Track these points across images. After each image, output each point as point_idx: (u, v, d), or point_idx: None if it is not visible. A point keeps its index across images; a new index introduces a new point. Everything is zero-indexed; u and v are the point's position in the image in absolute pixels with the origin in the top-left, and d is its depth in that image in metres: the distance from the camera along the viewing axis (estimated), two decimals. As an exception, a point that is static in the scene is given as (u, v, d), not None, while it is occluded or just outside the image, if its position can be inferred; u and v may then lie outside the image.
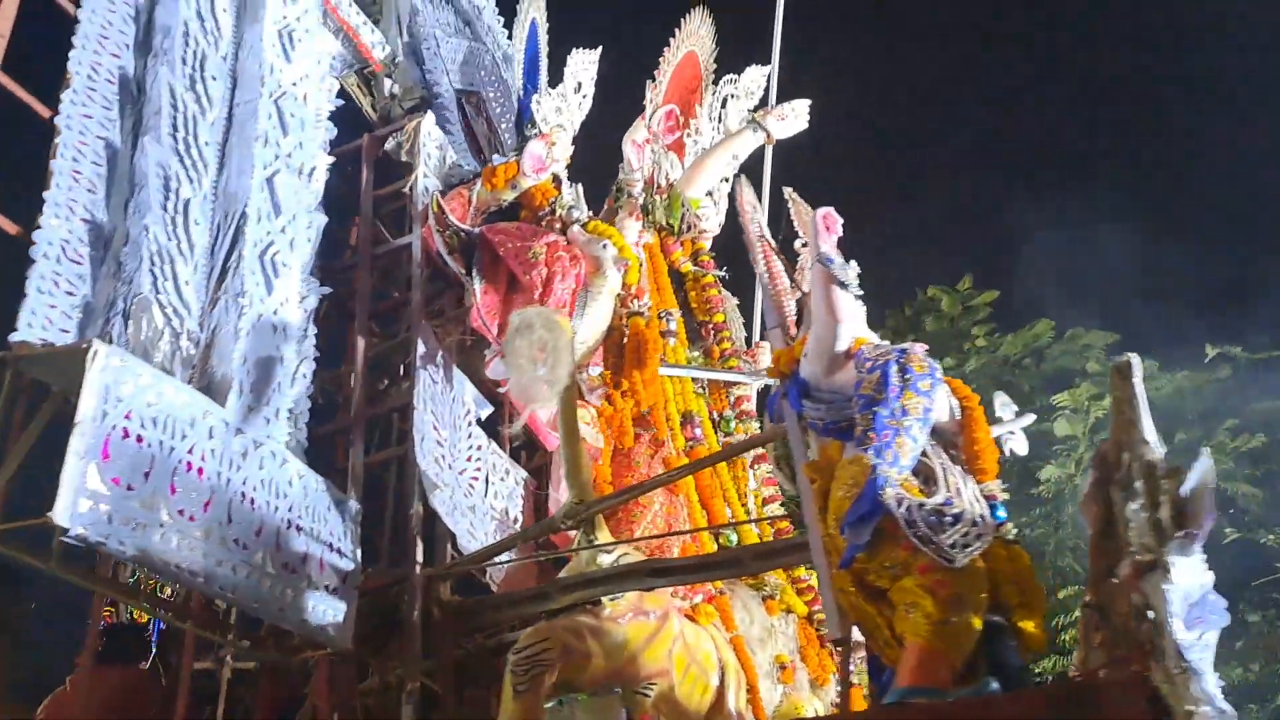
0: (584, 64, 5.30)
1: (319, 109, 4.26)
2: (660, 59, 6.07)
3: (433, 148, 4.70)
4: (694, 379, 5.12)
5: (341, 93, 4.93)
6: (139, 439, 2.99)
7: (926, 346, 3.44)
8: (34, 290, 3.11)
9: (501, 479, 4.72)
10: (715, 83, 6.22)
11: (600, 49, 5.58)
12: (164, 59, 3.65)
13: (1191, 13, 13.63)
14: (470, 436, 4.51)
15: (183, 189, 3.49)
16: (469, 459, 4.45)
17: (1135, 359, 2.63)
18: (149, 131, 3.51)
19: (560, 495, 4.44)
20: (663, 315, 5.09)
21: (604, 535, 3.93)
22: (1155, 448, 2.54)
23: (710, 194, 5.83)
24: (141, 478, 2.98)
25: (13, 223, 3.26)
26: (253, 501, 3.37)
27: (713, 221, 5.74)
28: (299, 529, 3.54)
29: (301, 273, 4.00)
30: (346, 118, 5.04)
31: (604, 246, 4.53)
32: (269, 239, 3.71)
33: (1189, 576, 2.44)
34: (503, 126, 6.79)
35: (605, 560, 3.83)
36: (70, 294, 3.20)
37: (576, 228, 4.60)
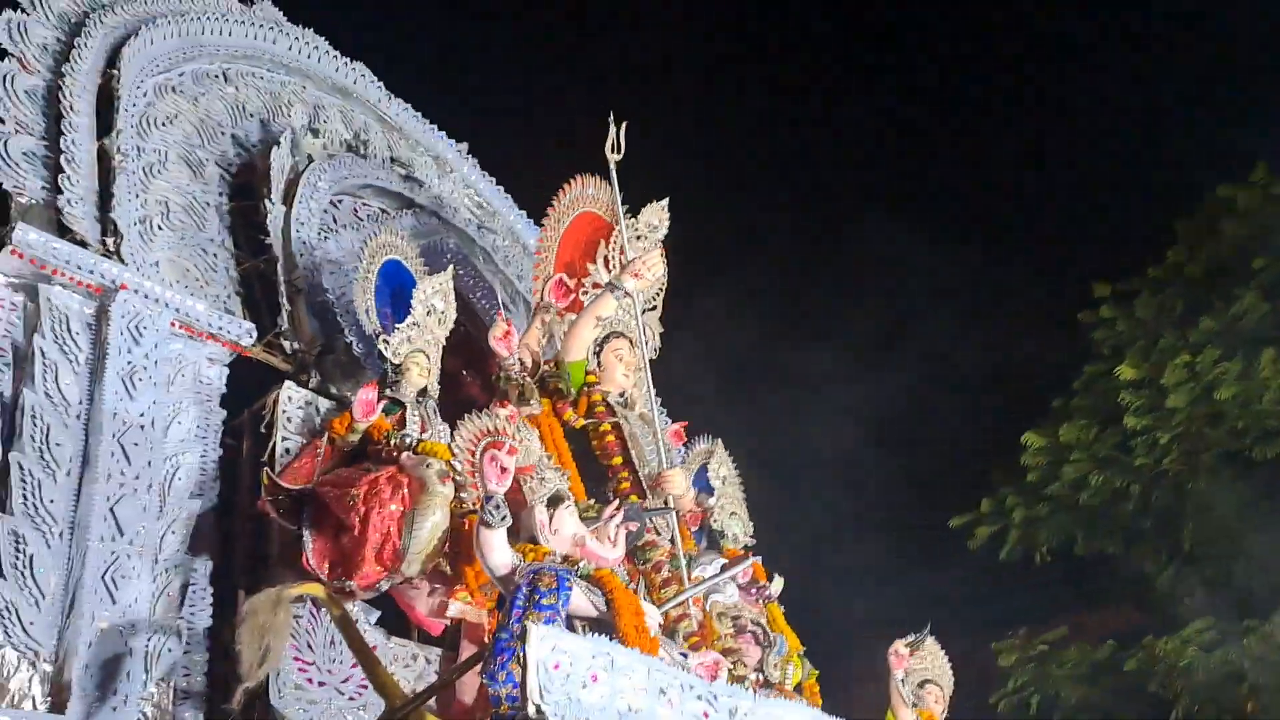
0: (434, 289, 6.07)
1: (179, 418, 5.42)
2: (540, 239, 6.72)
3: (294, 409, 5.72)
4: None
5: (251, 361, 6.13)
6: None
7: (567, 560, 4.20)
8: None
9: (406, 665, 5.69)
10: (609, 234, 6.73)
11: (450, 270, 6.33)
12: (17, 442, 4.93)
13: None
14: (358, 642, 5.50)
15: (30, 547, 4.74)
16: (354, 664, 5.44)
17: None
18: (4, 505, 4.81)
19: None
20: (547, 478, 5.83)
21: (432, 729, 4.78)
22: None
23: (623, 337, 6.40)
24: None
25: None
26: (100, 777, 4.57)
27: (630, 359, 6.36)
28: (153, 782, 4.70)
29: (172, 559, 5.19)
30: (267, 379, 6.20)
31: (427, 465, 5.33)
32: (112, 558, 4.89)
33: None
34: (477, 295, 7.68)
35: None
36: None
37: (406, 454, 5.44)
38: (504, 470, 4.37)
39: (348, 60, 7.96)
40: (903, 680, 6.47)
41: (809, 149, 16.79)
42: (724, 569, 5.08)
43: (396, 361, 5.79)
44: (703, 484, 7.48)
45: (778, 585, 7.44)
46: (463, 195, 8.13)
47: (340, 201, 7.35)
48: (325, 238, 6.90)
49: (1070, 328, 12.12)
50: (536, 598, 4.07)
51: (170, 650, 5.00)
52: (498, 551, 4.30)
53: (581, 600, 4.25)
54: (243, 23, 7.24)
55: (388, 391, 5.73)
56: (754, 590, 6.93)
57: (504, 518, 4.27)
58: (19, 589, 4.66)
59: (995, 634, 12.68)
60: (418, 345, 5.87)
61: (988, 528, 12.07)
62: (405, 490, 5.25)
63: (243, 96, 7.03)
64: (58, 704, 4.57)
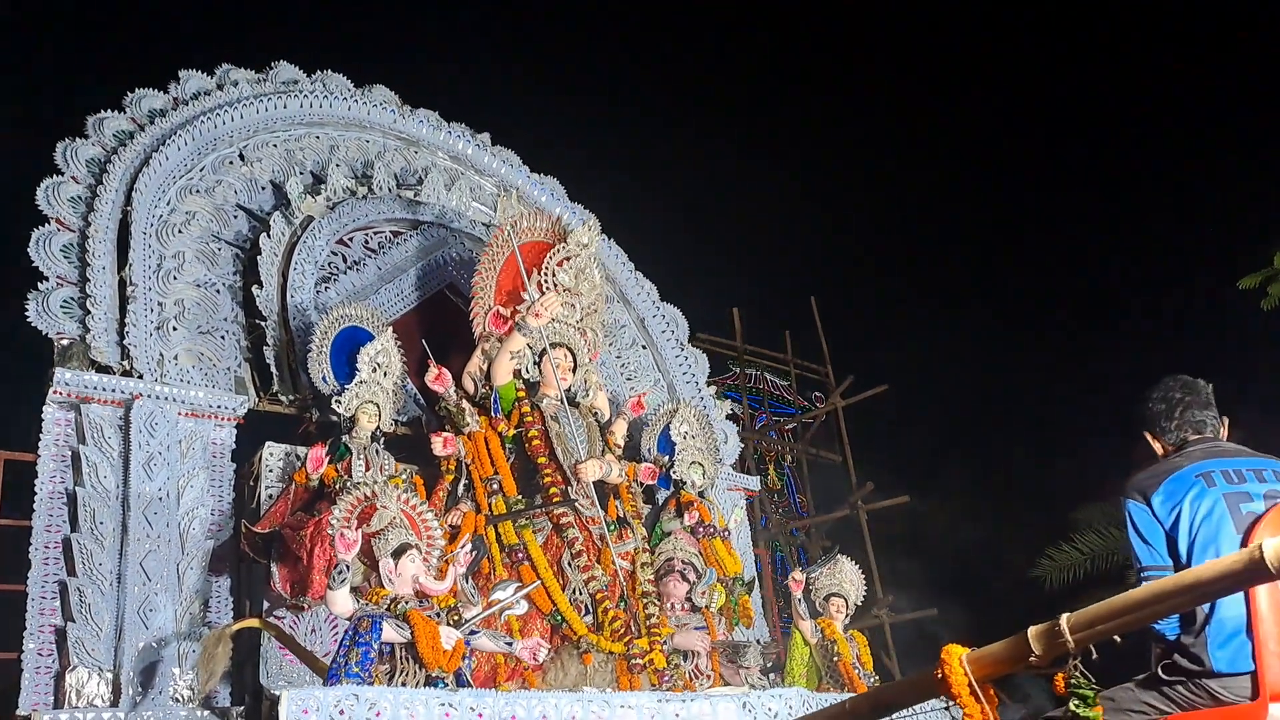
0: (376, 349, 7.67)
1: (191, 483, 7.55)
2: (475, 278, 8.10)
3: (274, 462, 7.68)
4: (514, 520, 7.54)
5: (266, 415, 8.15)
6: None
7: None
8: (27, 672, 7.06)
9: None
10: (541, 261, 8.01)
11: (390, 330, 7.86)
12: (77, 525, 7.29)
13: None
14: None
15: (89, 598, 7.14)
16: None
17: None
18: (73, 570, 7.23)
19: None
20: (486, 480, 7.62)
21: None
22: None
23: (560, 346, 7.90)
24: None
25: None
26: (150, 746, 7.05)
27: (565, 365, 7.89)
28: (188, 746, 7.15)
29: (193, 587, 7.47)
30: (281, 428, 8.21)
31: (353, 506, 7.19)
32: (144, 598, 7.21)
33: None
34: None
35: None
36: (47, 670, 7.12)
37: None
38: (352, 543, 6.15)
39: (359, 94, 9.38)
40: (800, 600, 7.88)
41: None
42: (517, 590, 6.55)
43: (349, 415, 7.57)
44: (664, 441, 8.86)
45: (736, 519, 8.84)
46: (470, 200, 9.48)
47: (351, 239, 8.98)
48: (327, 287, 8.62)
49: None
50: (357, 637, 5.91)
51: (194, 651, 7.32)
52: (339, 605, 6.12)
53: (392, 633, 6.02)
54: (254, 99, 8.83)
55: (344, 438, 7.55)
56: (700, 529, 8.40)
57: (344, 581, 6.07)
58: (85, 626, 7.10)
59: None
60: (365, 398, 7.60)
61: None
62: (339, 529, 7.14)
63: (256, 171, 8.71)
64: (115, 701, 7.04)
